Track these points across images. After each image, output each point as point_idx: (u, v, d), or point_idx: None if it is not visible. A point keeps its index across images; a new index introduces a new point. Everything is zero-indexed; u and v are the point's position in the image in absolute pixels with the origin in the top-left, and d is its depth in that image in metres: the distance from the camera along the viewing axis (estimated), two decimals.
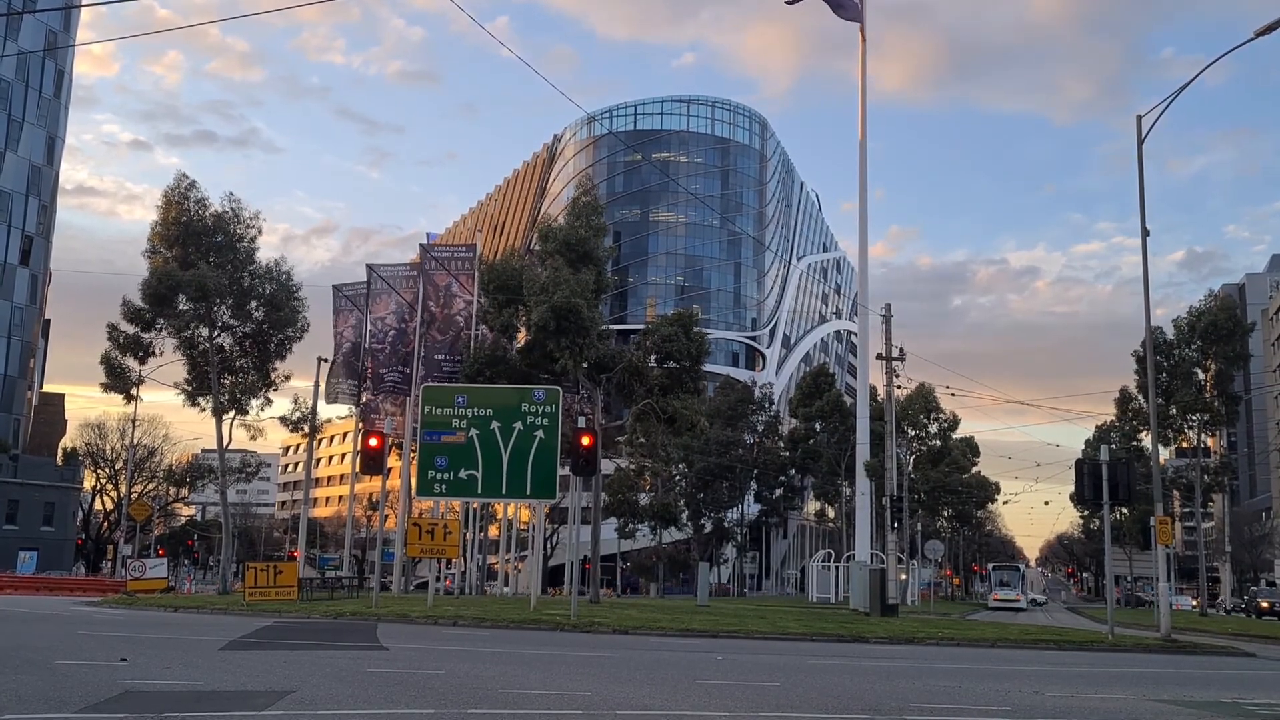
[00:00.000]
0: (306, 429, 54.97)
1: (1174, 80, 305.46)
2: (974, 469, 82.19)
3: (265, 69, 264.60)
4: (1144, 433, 59.46)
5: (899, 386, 48.86)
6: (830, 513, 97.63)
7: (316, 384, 48.05)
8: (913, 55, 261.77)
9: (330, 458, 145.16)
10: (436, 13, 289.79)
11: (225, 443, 44.11)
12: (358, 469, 39.54)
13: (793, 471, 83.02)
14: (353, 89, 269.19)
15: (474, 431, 27.88)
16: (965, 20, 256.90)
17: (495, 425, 27.83)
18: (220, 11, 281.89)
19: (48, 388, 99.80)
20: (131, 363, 43.32)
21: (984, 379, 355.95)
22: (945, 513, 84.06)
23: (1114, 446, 39.10)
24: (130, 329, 42.50)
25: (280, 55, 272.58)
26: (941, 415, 76.28)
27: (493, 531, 64.82)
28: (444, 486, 28.30)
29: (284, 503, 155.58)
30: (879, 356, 45.15)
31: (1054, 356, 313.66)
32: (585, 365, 37.98)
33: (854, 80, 46.66)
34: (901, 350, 45.38)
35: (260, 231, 44.29)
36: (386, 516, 59.80)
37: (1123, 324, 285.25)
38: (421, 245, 52.81)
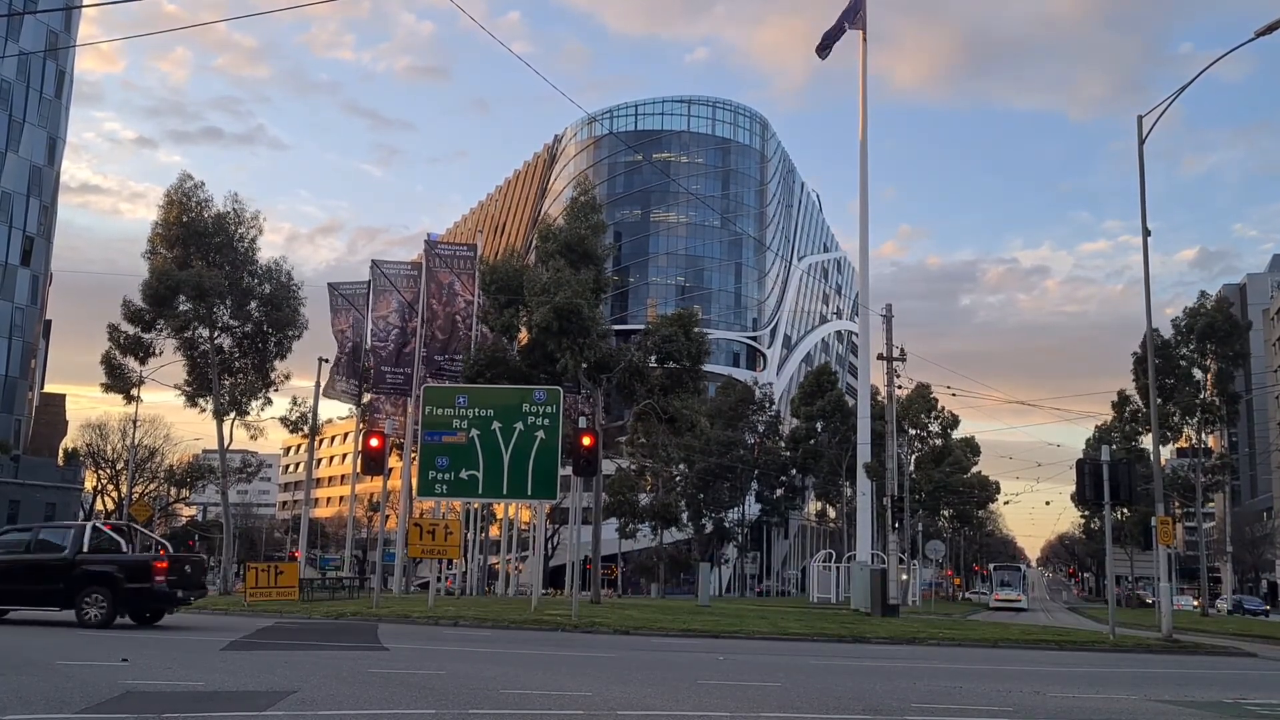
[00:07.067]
0: (307, 429, 54.99)
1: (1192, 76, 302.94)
2: (975, 469, 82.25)
3: (273, 65, 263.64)
4: (1142, 434, 59.45)
5: (900, 387, 48.91)
6: (831, 513, 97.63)
7: (317, 384, 48.07)
8: (928, 52, 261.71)
9: (331, 458, 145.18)
10: (446, 8, 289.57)
11: (226, 443, 44.12)
12: (359, 469, 39.55)
13: (794, 471, 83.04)
14: (361, 85, 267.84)
15: (475, 432, 27.86)
16: (981, 16, 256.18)
17: (496, 425, 27.81)
18: (227, 7, 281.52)
19: (49, 388, 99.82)
20: (132, 363, 43.31)
21: (992, 378, 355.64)
22: (946, 513, 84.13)
23: (1114, 447, 39.00)
24: (131, 329, 42.45)
25: (288, 51, 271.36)
26: (942, 414, 76.38)
27: (494, 532, 64.82)
28: (445, 487, 28.28)
29: (285, 503, 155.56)
30: (880, 357, 45.22)
31: (1063, 356, 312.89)
32: (586, 365, 38.01)
33: (867, 76, 46.78)
34: (903, 350, 45.48)
35: (261, 231, 44.26)
36: (387, 517, 59.77)
37: (1131, 323, 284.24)
38: (426, 241, 52.75)
